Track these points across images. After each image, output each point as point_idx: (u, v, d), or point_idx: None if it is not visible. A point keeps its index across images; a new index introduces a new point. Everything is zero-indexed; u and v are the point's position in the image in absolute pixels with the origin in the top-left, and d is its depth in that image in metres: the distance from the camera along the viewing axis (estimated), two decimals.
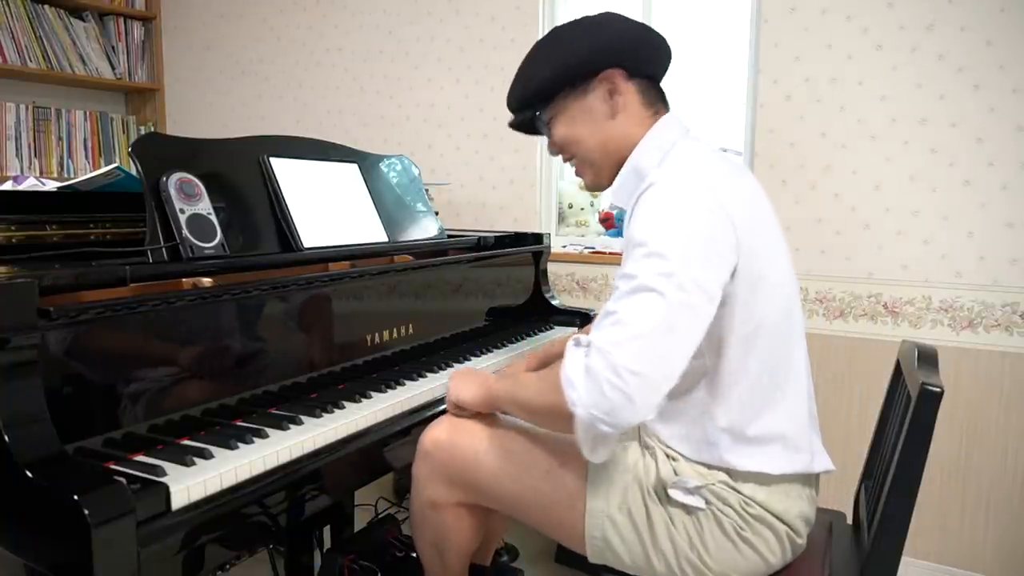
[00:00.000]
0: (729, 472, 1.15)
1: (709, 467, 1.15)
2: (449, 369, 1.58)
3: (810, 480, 1.20)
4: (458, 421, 1.27)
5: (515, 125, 1.32)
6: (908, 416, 1.13)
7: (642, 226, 1.05)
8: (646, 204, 1.07)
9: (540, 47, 1.24)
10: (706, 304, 1.02)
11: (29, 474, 0.86)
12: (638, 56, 1.19)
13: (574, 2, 2.60)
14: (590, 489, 1.17)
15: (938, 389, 1.09)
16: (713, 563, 1.12)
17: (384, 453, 1.31)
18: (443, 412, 1.44)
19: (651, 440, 1.25)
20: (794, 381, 1.17)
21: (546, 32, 2.50)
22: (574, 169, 1.30)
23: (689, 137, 1.22)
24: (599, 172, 1.26)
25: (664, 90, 1.26)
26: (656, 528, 1.14)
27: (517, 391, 1.18)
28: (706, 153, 1.18)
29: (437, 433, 1.26)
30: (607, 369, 0.96)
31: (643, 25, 1.24)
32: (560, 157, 1.30)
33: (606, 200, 2.70)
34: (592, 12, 1.24)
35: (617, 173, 1.23)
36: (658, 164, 1.16)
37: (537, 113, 1.25)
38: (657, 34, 1.23)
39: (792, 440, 1.15)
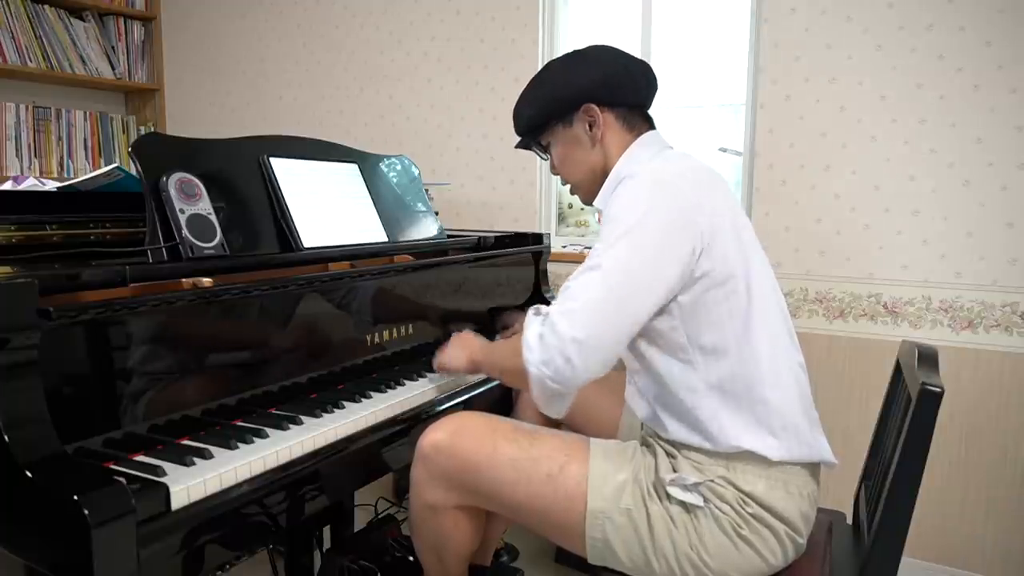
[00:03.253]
0: (728, 460, 1.15)
1: (710, 455, 1.16)
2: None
3: (812, 474, 1.20)
4: (458, 425, 1.27)
5: (520, 147, 1.46)
6: (908, 416, 1.13)
7: (610, 212, 1.19)
8: (618, 193, 1.20)
9: (530, 84, 1.38)
10: (654, 283, 1.13)
11: (29, 474, 0.86)
12: (612, 89, 1.31)
13: (574, 2, 2.60)
14: (590, 491, 1.18)
15: (938, 389, 1.09)
16: (712, 562, 1.12)
17: (384, 453, 1.31)
18: (444, 413, 1.44)
19: (651, 439, 1.25)
20: (781, 368, 1.18)
21: (546, 32, 2.53)
22: (569, 189, 1.43)
23: (666, 150, 1.32)
24: (589, 190, 1.38)
25: (648, 113, 1.38)
26: (656, 527, 1.14)
27: (492, 355, 1.36)
28: (683, 161, 1.27)
29: (436, 436, 1.26)
30: (553, 335, 1.12)
31: (624, 59, 1.33)
32: (559, 177, 1.43)
33: None
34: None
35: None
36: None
37: (537, 140, 1.40)
38: (637, 67, 1.34)
39: (791, 424, 1.16)
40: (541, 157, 1.44)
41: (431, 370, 1.55)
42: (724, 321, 1.16)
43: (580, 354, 1.10)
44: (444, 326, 1.74)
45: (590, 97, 1.30)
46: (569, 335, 1.10)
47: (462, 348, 1.42)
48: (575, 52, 1.37)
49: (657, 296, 1.14)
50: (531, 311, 1.21)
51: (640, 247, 1.12)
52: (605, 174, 1.32)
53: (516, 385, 1.32)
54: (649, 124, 1.36)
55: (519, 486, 1.21)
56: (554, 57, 1.45)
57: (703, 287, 1.15)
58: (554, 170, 1.42)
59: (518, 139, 1.45)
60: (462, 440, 1.24)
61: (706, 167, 1.28)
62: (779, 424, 1.15)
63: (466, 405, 1.50)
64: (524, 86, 1.39)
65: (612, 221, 1.16)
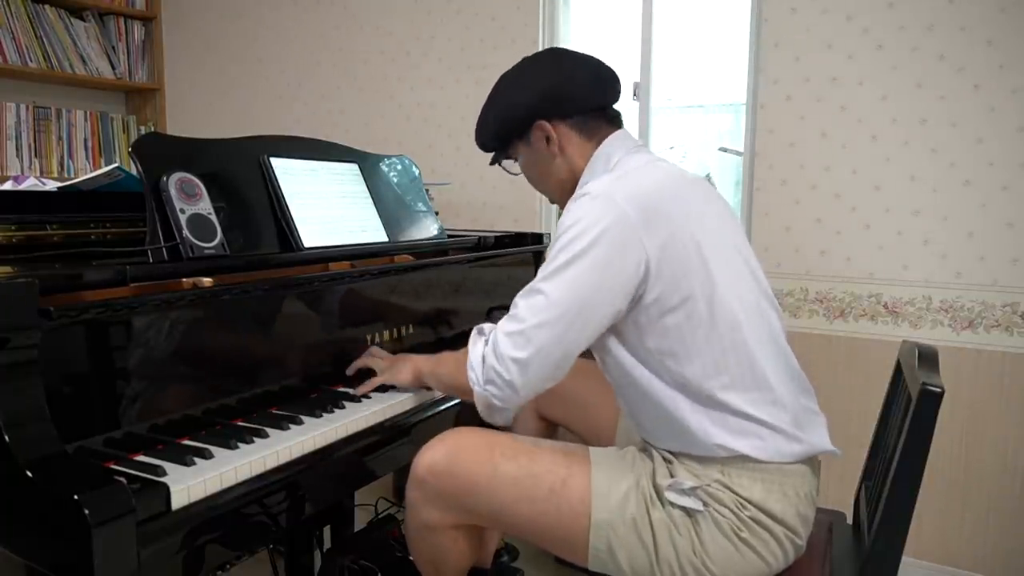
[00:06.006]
0: (723, 464, 1.14)
1: (702, 461, 1.16)
2: None
3: (810, 471, 1.20)
4: (454, 444, 1.23)
5: (493, 163, 1.42)
6: (908, 416, 1.13)
7: (558, 231, 1.17)
8: (568, 211, 1.18)
9: (484, 106, 1.35)
10: (596, 312, 1.13)
11: (29, 474, 0.86)
12: (558, 102, 1.28)
13: (575, 2, 2.60)
14: (594, 503, 1.16)
15: (938, 389, 1.09)
16: (716, 567, 1.12)
17: (385, 453, 1.31)
18: (444, 412, 1.44)
19: (648, 444, 1.25)
20: (763, 371, 1.16)
21: (545, 32, 2.53)
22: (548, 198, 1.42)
23: (634, 151, 1.28)
24: (563, 200, 1.33)
25: (613, 110, 1.33)
26: (659, 534, 1.14)
27: (438, 369, 1.34)
28: (644, 166, 1.24)
29: (433, 458, 1.22)
30: (494, 357, 1.16)
31: (571, 65, 1.30)
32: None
33: None
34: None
35: None
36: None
37: (504, 158, 1.38)
38: (588, 71, 1.30)
39: (777, 424, 1.15)
40: (512, 173, 1.41)
41: None
42: (687, 338, 1.14)
43: (522, 375, 1.14)
44: (444, 326, 1.75)
45: (538, 114, 1.27)
46: (510, 356, 1.14)
47: (404, 362, 1.40)
48: (523, 63, 1.33)
49: (599, 324, 1.15)
50: (475, 331, 1.24)
51: (584, 277, 1.12)
52: (572, 184, 1.30)
53: (462, 398, 1.32)
54: (614, 124, 1.32)
55: (521, 504, 1.19)
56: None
57: (658, 312, 1.14)
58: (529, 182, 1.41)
59: (492, 162, 1.42)
60: (460, 462, 1.21)
61: (673, 174, 1.24)
62: (764, 426, 1.14)
63: (466, 405, 1.49)
64: None
65: (559, 243, 1.15)
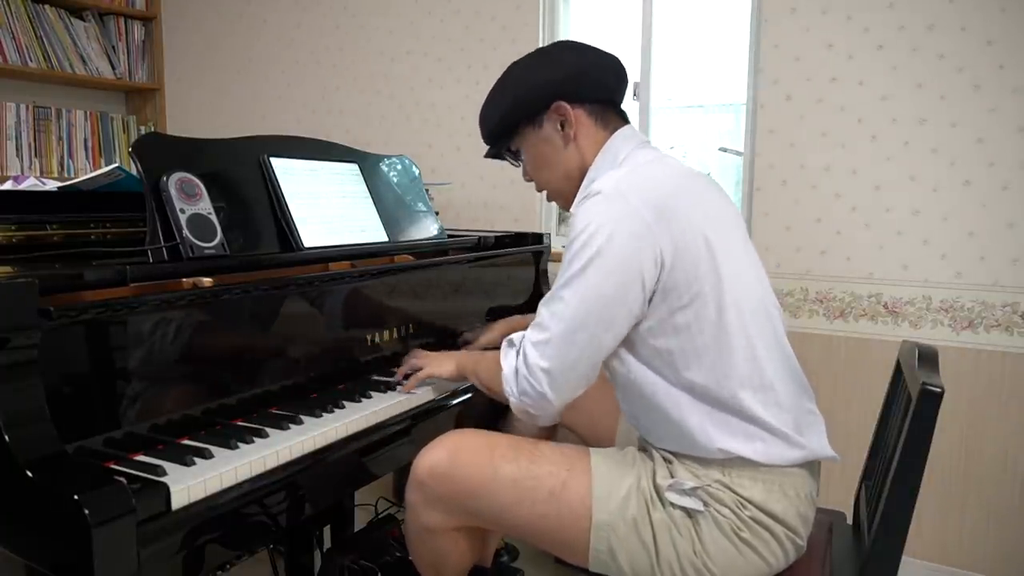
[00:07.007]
0: (723, 465, 1.14)
1: (703, 462, 1.16)
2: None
3: (810, 473, 1.19)
4: (454, 447, 1.23)
5: (490, 156, 1.40)
6: (908, 416, 1.13)
7: (569, 236, 1.17)
8: (575, 216, 1.17)
9: (494, 88, 1.32)
10: (618, 314, 1.13)
11: (29, 474, 0.86)
12: (582, 85, 1.26)
13: (575, 2, 2.60)
14: (595, 504, 1.16)
15: (938, 389, 1.09)
16: (716, 568, 1.12)
17: (385, 453, 1.31)
18: (444, 411, 1.44)
19: (648, 445, 1.25)
20: (767, 371, 1.16)
21: (545, 31, 2.53)
22: (545, 195, 1.38)
23: (642, 147, 1.27)
24: (567, 196, 1.32)
25: (621, 108, 1.32)
26: (659, 535, 1.14)
27: (478, 368, 1.35)
28: (653, 162, 1.23)
29: (433, 461, 1.22)
30: (525, 368, 1.18)
31: (592, 52, 1.29)
32: (535, 184, 1.37)
33: None
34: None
35: None
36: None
37: (507, 146, 1.34)
38: (606, 60, 1.29)
39: (778, 428, 1.14)
40: (513, 164, 1.37)
41: None
42: (696, 337, 1.13)
43: (552, 385, 1.16)
44: (444, 326, 1.75)
45: (559, 94, 1.24)
46: (539, 366, 1.16)
47: (448, 357, 1.43)
48: (539, 51, 1.32)
49: (622, 325, 1.15)
50: (505, 343, 1.25)
51: (602, 279, 1.12)
52: (582, 176, 1.27)
53: (499, 400, 1.32)
54: (623, 119, 1.31)
55: (522, 507, 1.19)
56: None
57: (668, 310, 1.13)
58: (527, 176, 1.37)
59: (489, 154, 1.38)
60: (460, 465, 1.21)
61: (682, 171, 1.23)
62: (766, 429, 1.14)
63: (466, 405, 1.50)
64: None
65: (574, 246, 1.14)
